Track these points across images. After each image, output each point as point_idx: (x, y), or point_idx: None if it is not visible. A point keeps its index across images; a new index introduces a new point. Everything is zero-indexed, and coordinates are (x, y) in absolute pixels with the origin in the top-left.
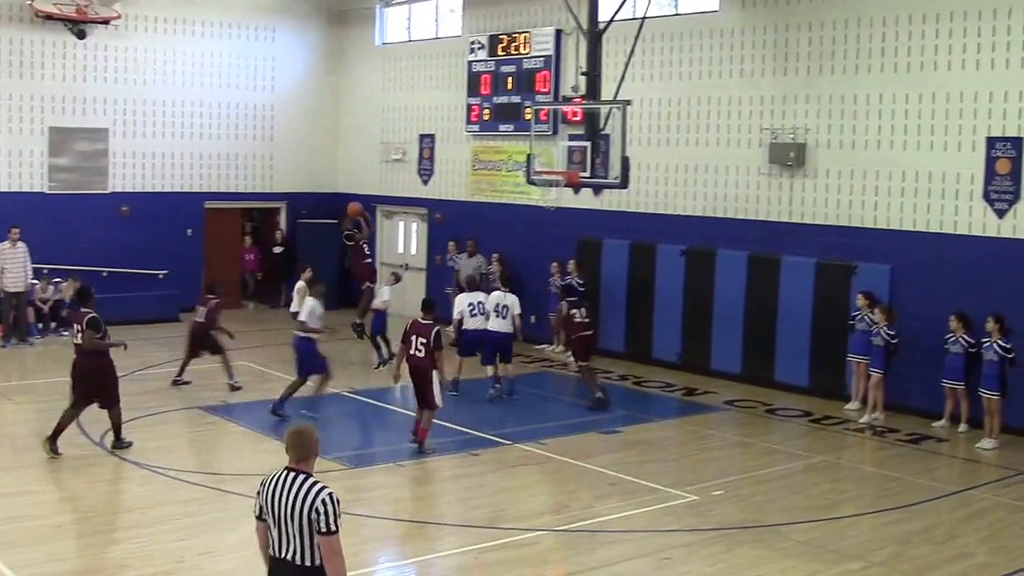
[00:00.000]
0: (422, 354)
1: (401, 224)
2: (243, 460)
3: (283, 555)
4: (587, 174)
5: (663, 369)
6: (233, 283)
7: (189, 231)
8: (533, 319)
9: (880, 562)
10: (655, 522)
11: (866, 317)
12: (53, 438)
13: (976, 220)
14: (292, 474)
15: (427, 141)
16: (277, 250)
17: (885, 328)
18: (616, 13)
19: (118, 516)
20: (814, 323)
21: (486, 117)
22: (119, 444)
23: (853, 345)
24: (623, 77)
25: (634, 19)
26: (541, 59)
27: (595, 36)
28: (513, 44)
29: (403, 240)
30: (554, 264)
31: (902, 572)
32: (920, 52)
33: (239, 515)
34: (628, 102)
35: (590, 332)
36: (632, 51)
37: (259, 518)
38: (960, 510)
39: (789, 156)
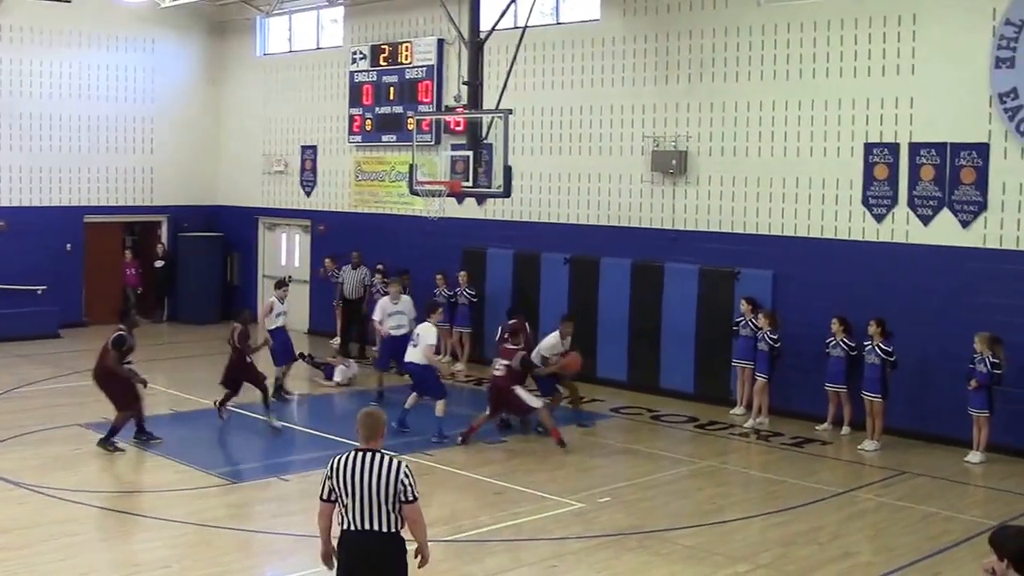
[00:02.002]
0: (501, 373)
1: (284, 236)
2: (124, 477)
3: (368, 527)
4: (470, 184)
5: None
6: (114, 298)
7: (68, 246)
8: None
9: (766, 564)
10: (542, 530)
11: (750, 323)
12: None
13: (855, 225)
14: (367, 453)
15: (309, 152)
16: (158, 264)
17: (768, 333)
18: (497, 22)
19: None
20: (698, 329)
21: (368, 127)
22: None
23: (737, 350)
24: (505, 86)
25: (516, 28)
26: (423, 69)
27: (477, 46)
28: (395, 54)
29: (286, 252)
30: (439, 275)
31: (787, 573)
32: (799, 60)
33: (121, 533)
34: (510, 111)
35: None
36: (514, 60)
37: (327, 500)
38: (844, 511)
39: (671, 164)
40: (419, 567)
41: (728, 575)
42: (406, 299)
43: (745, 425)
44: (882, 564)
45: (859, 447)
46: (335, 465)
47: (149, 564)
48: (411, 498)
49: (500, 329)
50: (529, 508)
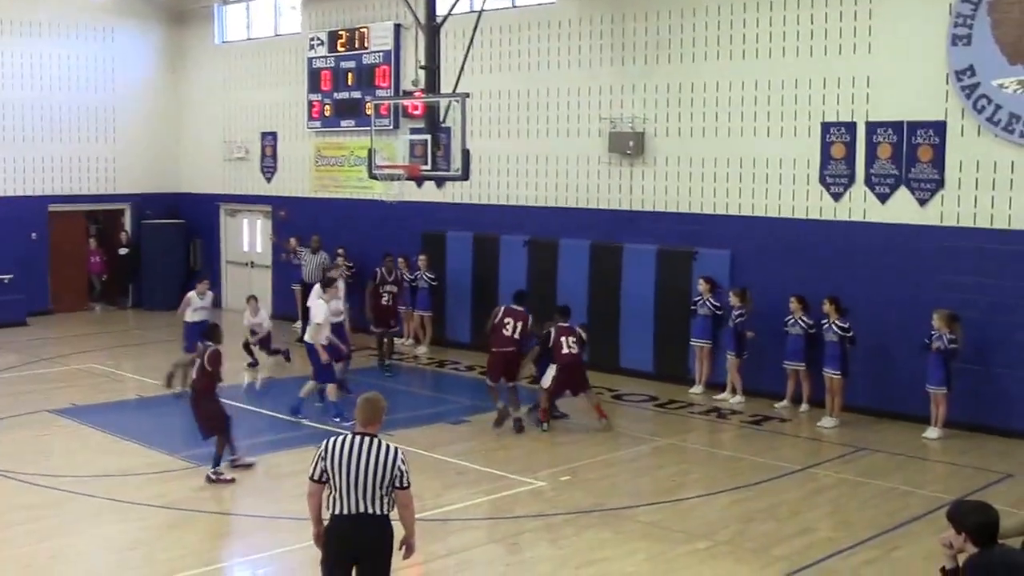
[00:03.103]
0: (576, 350)
1: (245, 222)
2: (93, 462)
3: (359, 510)
4: (428, 167)
5: None
6: (80, 285)
7: (33, 234)
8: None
9: (726, 540)
10: (503, 509)
11: (707, 302)
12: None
13: (813, 204)
14: (364, 437)
15: (269, 139)
16: (123, 251)
17: (738, 310)
18: (453, 7)
19: None
20: (657, 309)
21: (327, 113)
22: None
23: (695, 330)
24: (462, 70)
25: (472, 12)
26: (380, 54)
27: (433, 30)
28: (352, 40)
29: (247, 238)
30: (400, 259)
31: (747, 549)
32: (755, 39)
33: (89, 516)
34: (467, 95)
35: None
36: (470, 44)
37: (317, 480)
38: (803, 487)
39: (628, 145)
40: (404, 558)
41: (688, 551)
42: (342, 287)
43: (731, 401)
44: (841, 539)
45: (818, 424)
46: (330, 446)
47: (120, 546)
48: (406, 484)
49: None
50: (490, 487)
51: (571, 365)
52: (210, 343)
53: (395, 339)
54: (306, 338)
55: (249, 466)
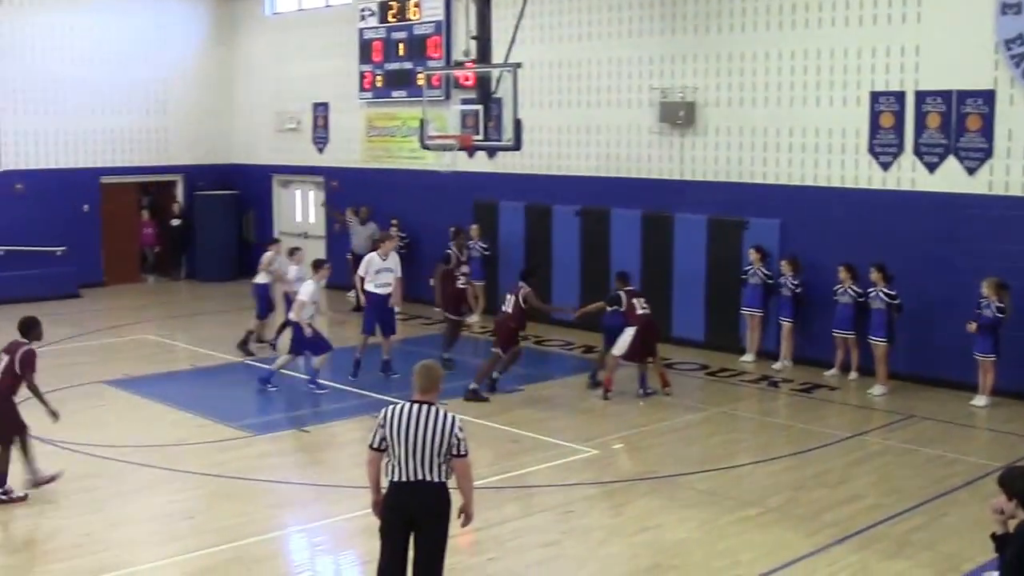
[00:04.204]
0: (649, 310)
1: (298, 193)
2: (147, 432)
3: (417, 477)
4: (480, 137)
5: (563, 328)
6: (132, 257)
7: (86, 207)
8: (432, 282)
9: (776, 507)
10: (557, 477)
11: (759, 271)
12: None
13: (862, 173)
14: (421, 406)
15: (321, 109)
16: (175, 223)
17: (791, 278)
18: None
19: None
20: (708, 278)
21: (379, 84)
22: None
23: (746, 299)
24: (513, 40)
25: None
26: (432, 24)
27: (484, 0)
28: (404, 10)
29: (300, 209)
30: (452, 228)
31: (797, 516)
32: (804, 9)
33: (145, 486)
34: (519, 65)
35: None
36: (521, 14)
37: (376, 448)
38: (852, 454)
39: (679, 115)
40: (462, 526)
41: (739, 518)
42: (395, 256)
43: (774, 366)
44: (889, 506)
45: (868, 391)
46: (389, 414)
47: (174, 515)
48: (463, 452)
49: (627, 294)
50: (544, 455)
51: (649, 324)
52: (25, 340)
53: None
54: (290, 316)
55: (51, 479)
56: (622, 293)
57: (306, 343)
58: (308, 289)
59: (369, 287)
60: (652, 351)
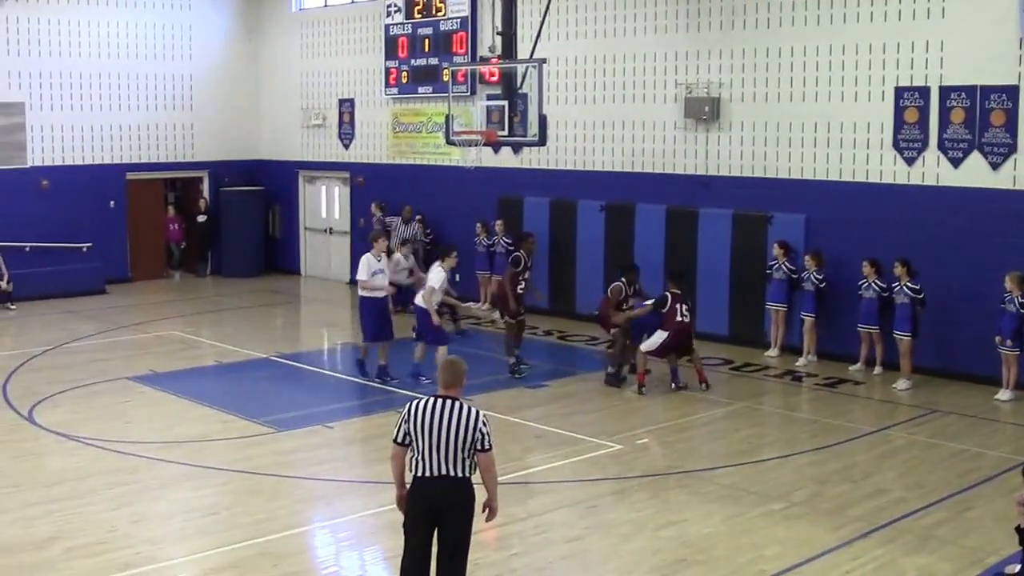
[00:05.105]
0: (688, 319)
1: (324, 188)
2: (172, 428)
3: (441, 472)
4: (505, 133)
5: (587, 323)
6: (158, 253)
7: (111, 203)
8: (458, 277)
9: (801, 501)
10: (582, 472)
11: (783, 266)
12: None
13: (887, 168)
14: (446, 400)
15: (347, 105)
16: (201, 219)
17: (815, 273)
18: None
19: (46, 489)
20: (732, 273)
21: (404, 80)
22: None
23: (771, 293)
24: (538, 36)
25: None
26: (457, 20)
27: None
28: (429, 6)
29: (326, 204)
30: (479, 223)
31: (822, 510)
32: (830, 5)
33: (170, 481)
34: (544, 61)
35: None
36: (547, 10)
37: (400, 443)
38: (876, 449)
39: (704, 110)
40: (486, 520)
41: (764, 513)
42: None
43: (797, 363)
44: (914, 500)
45: (892, 386)
46: (413, 409)
47: (199, 510)
48: (487, 446)
49: (673, 297)
50: (569, 450)
51: (683, 332)
52: None
53: (472, 304)
54: (417, 301)
55: None
56: (669, 295)
57: (432, 332)
58: (438, 276)
59: (364, 293)
60: (684, 351)
